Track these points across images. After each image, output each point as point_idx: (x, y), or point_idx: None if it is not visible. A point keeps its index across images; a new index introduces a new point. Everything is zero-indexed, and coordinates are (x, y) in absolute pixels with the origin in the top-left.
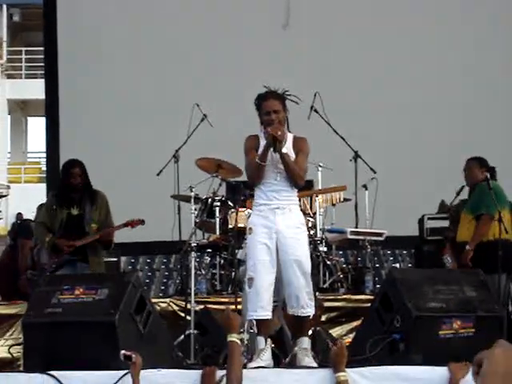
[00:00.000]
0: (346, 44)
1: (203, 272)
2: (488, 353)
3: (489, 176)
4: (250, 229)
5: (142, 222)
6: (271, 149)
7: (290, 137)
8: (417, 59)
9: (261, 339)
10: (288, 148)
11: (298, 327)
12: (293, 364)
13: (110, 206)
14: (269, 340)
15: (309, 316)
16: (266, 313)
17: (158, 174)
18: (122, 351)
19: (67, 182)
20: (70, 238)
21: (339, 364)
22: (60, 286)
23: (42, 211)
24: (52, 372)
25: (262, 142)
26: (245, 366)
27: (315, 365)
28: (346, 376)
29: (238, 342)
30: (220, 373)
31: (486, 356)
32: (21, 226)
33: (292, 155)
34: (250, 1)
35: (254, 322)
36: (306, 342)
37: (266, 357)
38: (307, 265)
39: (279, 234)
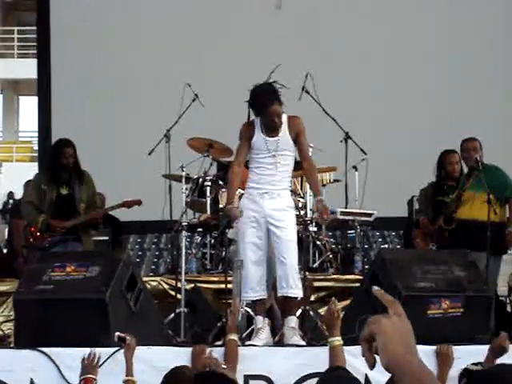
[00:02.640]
0: (338, 25)
1: (194, 251)
2: (375, 327)
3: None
4: (241, 211)
5: (138, 202)
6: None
7: (284, 119)
8: (409, 41)
9: (258, 318)
10: (284, 130)
11: (287, 307)
12: (281, 342)
13: (102, 185)
14: (266, 319)
15: (296, 297)
16: (256, 294)
17: (149, 154)
18: (117, 333)
19: (59, 162)
20: (61, 218)
21: (333, 328)
22: (51, 263)
23: (29, 190)
24: (43, 348)
25: (258, 131)
26: (242, 344)
27: (303, 343)
28: (340, 341)
29: (237, 340)
30: (209, 350)
31: (376, 330)
32: (12, 207)
33: (287, 136)
34: None
35: (244, 303)
36: (293, 321)
37: (263, 335)
38: (294, 246)
39: (267, 217)
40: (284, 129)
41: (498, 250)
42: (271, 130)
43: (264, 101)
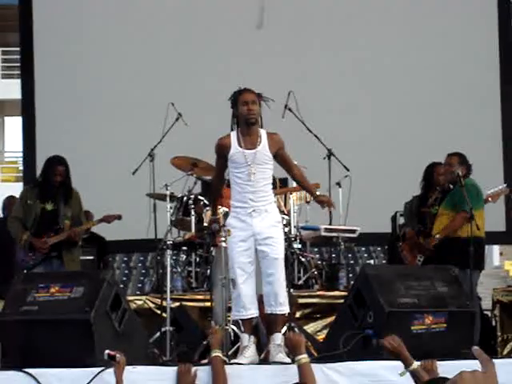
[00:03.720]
0: (319, 44)
1: (179, 270)
2: (456, 379)
3: (462, 173)
4: (229, 230)
5: (118, 217)
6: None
7: (263, 134)
8: (391, 59)
9: (244, 336)
10: (263, 144)
11: (273, 324)
12: (267, 360)
13: (86, 204)
14: (252, 337)
15: (284, 314)
16: (248, 312)
17: (133, 173)
18: (107, 351)
19: (49, 178)
20: (44, 233)
21: (297, 348)
22: (35, 284)
23: (17, 205)
24: (29, 370)
25: (234, 144)
26: (227, 362)
27: (288, 361)
28: (306, 358)
29: (221, 356)
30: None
31: (456, 382)
32: None
33: (266, 149)
34: (224, 1)
35: (240, 322)
36: (279, 339)
37: (248, 353)
38: (283, 263)
39: (257, 235)
40: (263, 143)
41: (475, 265)
42: (249, 126)
43: (238, 90)
